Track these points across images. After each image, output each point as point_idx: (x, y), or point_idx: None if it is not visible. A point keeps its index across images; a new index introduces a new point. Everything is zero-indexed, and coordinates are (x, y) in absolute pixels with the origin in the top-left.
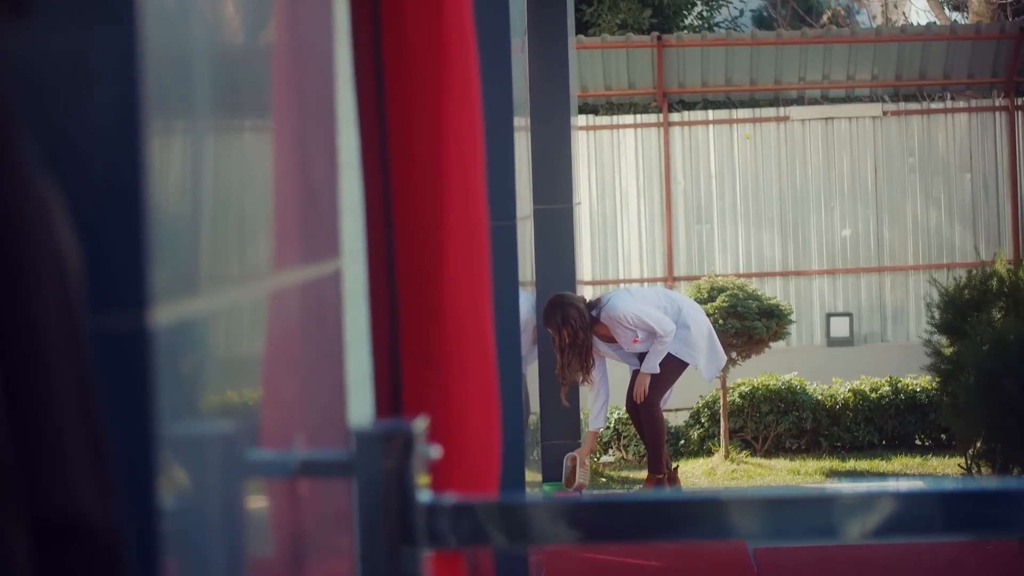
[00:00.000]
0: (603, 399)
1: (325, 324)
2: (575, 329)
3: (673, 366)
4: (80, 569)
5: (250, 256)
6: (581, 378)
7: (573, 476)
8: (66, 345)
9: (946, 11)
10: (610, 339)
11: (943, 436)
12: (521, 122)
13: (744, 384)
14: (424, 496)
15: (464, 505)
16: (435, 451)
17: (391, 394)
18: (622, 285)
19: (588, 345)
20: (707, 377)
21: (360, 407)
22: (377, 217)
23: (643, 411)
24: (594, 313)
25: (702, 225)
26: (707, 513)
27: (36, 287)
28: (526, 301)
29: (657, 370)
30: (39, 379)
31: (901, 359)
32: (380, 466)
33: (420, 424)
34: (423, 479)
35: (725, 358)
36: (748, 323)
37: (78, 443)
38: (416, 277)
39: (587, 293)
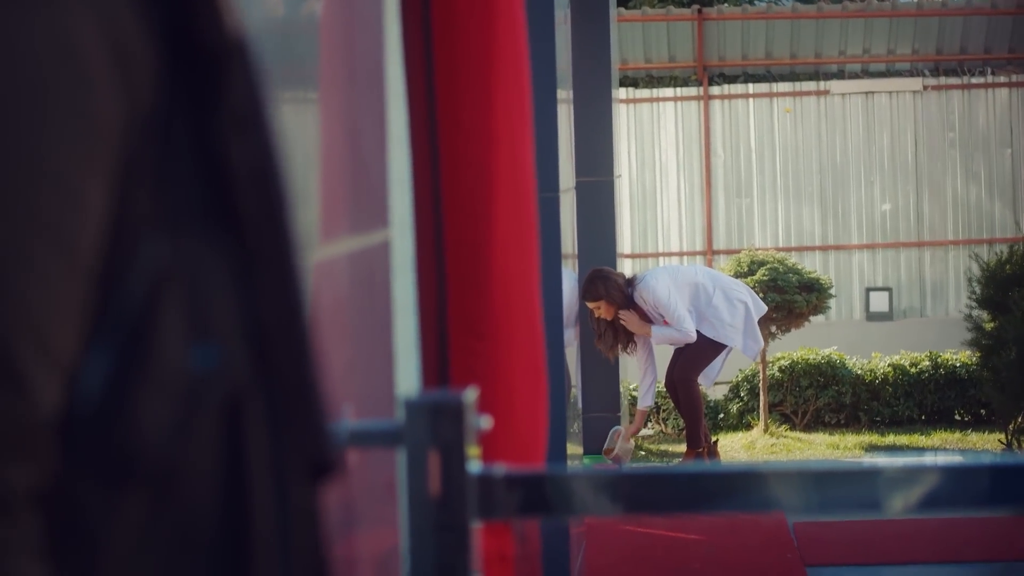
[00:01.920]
0: (651, 378)
1: (373, 294)
2: (616, 301)
3: (708, 345)
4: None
5: (299, 227)
6: (617, 353)
7: (613, 448)
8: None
9: None
10: (645, 318)
11: (982, 411)
12: (564, 95)
13: (784, 358)
14: (475, 467)
15: (516, 476)
16: (485, 422)
17: (438, 365)
18: (662, 259)
19: (631, 296)
20: (748, 355)
21: (407, 376)
22: (426, 188)
23: (680, 387)
24: (630, 291)
25: (742, 199)
26: (747, 486)
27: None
28: (569, 280)
29: (658, 335)
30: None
31: (940, 334)
32: (430, 436)
33: (471, 394)
34: (473, 450)
35: (763, 340)
36: (788, 297)
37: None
38: (464, 248)
39: (627, 267)
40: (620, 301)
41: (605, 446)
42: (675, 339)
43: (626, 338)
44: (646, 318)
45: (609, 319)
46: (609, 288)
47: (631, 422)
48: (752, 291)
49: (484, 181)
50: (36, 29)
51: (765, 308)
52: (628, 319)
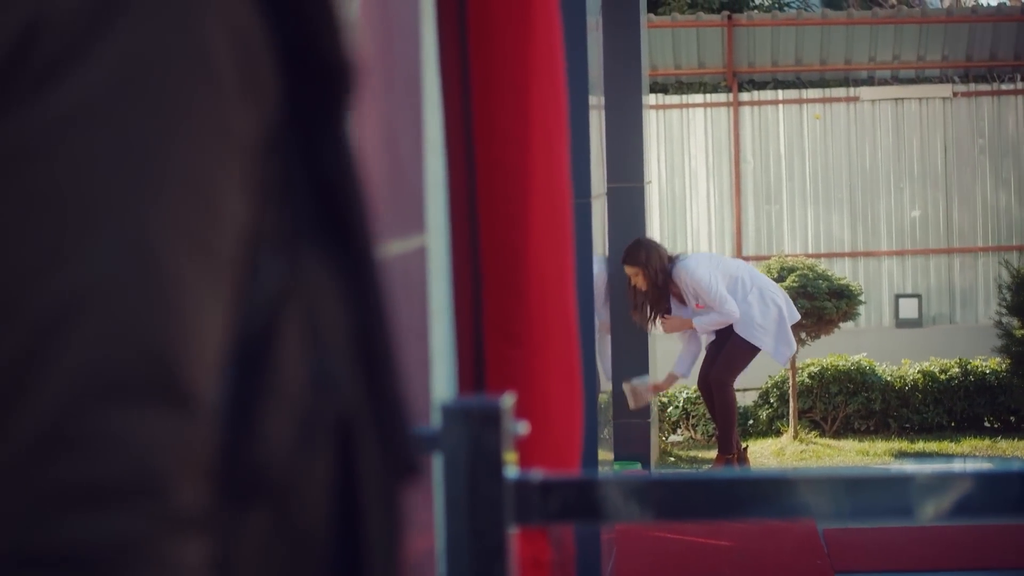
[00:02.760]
0: (694, 349)
1: (410, 299)
2: (655, 272)
3: (745, 347)
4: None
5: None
6: (652, 326)
7: (633, 396)
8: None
9: None
10: (680, 299)
11: (1012, 418)
12: (595, 101)
13: (813, 364)
14: (512, 472)
15: (552, 482)
16: (522, 427)
17: (474, 370)
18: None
19: (666, 292)
20: (779, 361)
21: (443, 382)
22: (461, 194)
23: (716, 389)
24: (669, 266)
25: (771, 205)
26: (777, 492)
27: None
28: (598, 264)
29: (701, 324)
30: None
31: (970, 340)
32: (467, 441)
33: (508, 400)
34: (510, 455)
35: (795, 346)
36: (818, 303)
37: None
38: (500, 253)
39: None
40: (658, 274)
41: (627, 392)
42: (718, 323)
43: (661, 308)
44: (680, 300)
45: (643, 289)
46: (651, 257)
47: (661, 429)
48: (788, 297)
49: (520, 186)
50: (172, 41)
51: (798, 316)
52: (669, 322)
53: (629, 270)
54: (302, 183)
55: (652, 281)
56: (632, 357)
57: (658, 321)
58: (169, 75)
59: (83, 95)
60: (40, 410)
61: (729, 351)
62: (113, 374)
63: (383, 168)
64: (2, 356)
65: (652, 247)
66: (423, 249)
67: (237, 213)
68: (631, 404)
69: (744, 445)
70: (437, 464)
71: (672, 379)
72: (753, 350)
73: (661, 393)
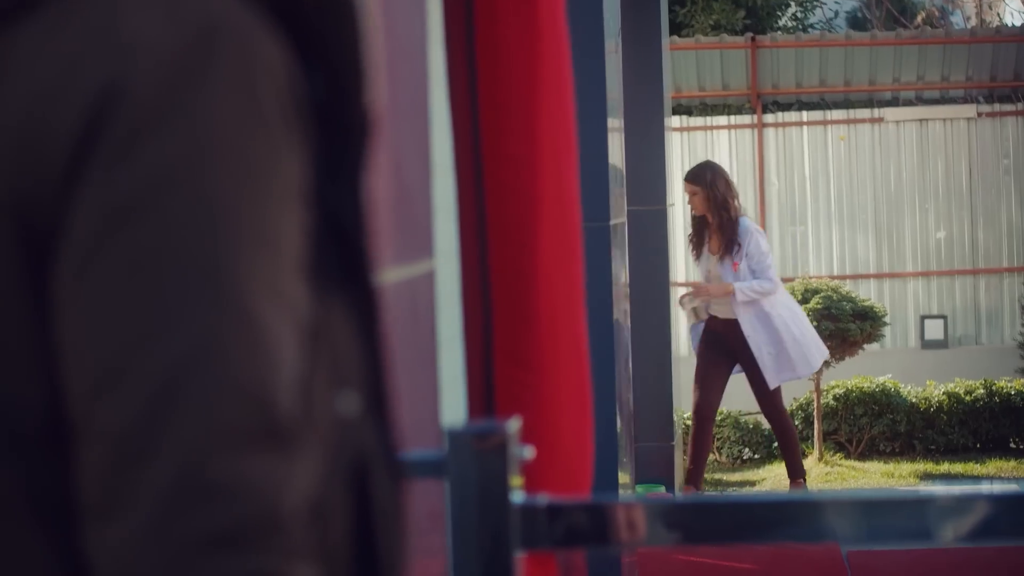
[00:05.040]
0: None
1: (419, 324)
2: (718, 197)
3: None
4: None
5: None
6: (697, 262)
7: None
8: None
9: None
10: (723, 250)
11: None
12: (615, 123)
13: (838, 386)
14: (518, 497)
15: (558, 506)
16: (528, 452)
17: (484, 395)
18: None
19: (721, 224)
20: (770, 384)
21: (453, 407)
22: (470, 218)
23: (773, 419)
24: (734, 213)
25: (796, 227)
26: (801, 515)
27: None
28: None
29: (743, 294)
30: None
31: (996, 362)
32: (473, 466)
33: (514, 424)
34: (517, 480)
35: (797, 374)
36: (842, 325)
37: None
38: (510, 278)
39: (681, 294)
40: (719, 200)
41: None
42: (759, 292)
43: (704, 241)
44: (721, 251)
45: (697, 214)
46: (717, 181)
47: (685, 452)
48: (817, 339)
49: (529, 211)
50: (237, 103)
51: (818, 363)
52: (708, 288)
53: (689, 188)
54: (323, 227)
55: (711, 204)
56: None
57: (706, 267)
58: (237, 136)
59: (167, 161)
60: (168, 468)
61: (756, 378)
62: (229, 426)
63: (390, 192)
64: (123, 422)
65: (721, 173)
66: (431, 274)
67: (296, 257)
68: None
69: (769, 466)
70: (446, 490)
71: (725, 289)
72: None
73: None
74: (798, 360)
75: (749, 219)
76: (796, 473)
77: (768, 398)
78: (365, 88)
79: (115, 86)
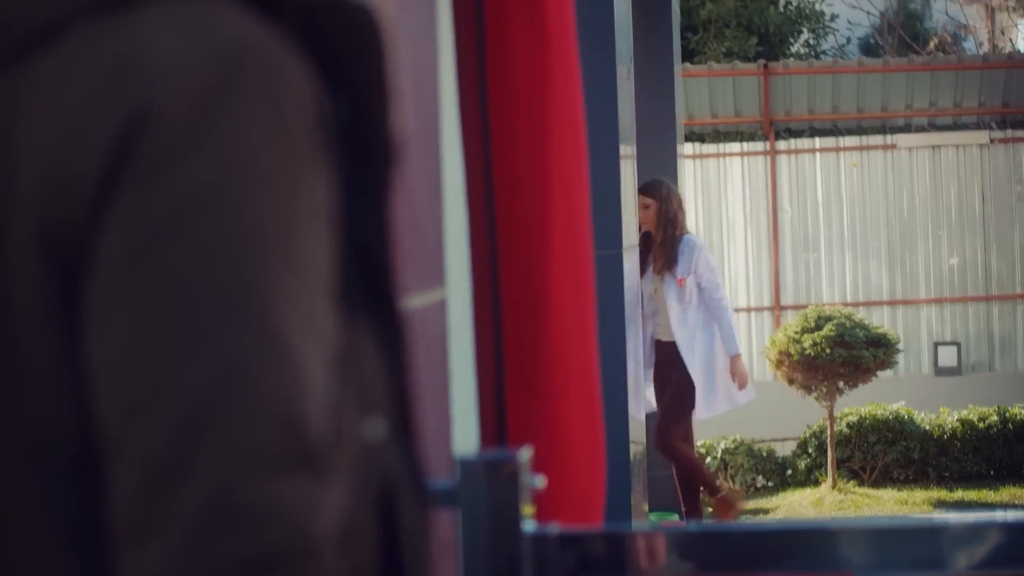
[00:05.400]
0: (725, 324)
1: (430, 353)
2: (668, 213)
3: (688, 391)
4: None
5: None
6: (655, 286)
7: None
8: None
9: None
10: (664, 268)
11: None
12: (627, 150)
13: (851, 414)
14: (529, 526)
15: (570, 535)
16: (540, 481)
17: (496, 424)
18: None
19: (665, 240)
20: (702, 413)
21: (465, 436)
22: (482, 246)
23: (668, 458)
24: (680, 231)
25: (809, 254)
26: (816, 543)
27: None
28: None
29: (739, 350)
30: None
31: (1009, 388)
32: (485, 495)
33: (525, 453)
34: (528, 509)
35: (728, 405)
36: (855, 352)
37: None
38: (521, 306)
39: None
40: (668, 217)
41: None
42: (727, 316)
43: (675, 250)
44: (662, 269)
45: (649, 229)
46: (671, 196)
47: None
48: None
49: (541, 240)
50: (265, 127)
51: (741, 400)
52: (742, 370)
53: (643, 200)
54: (349, 251)
55: (660, 219)
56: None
57: (650, 285)
58: (265, 160)
59: (196, 186)
60: (200, 492)
61: (670, 400)
62: (261, 450)
63: (401, 221)
64: (155, 446)
65: (675, 191)
66: (443, 303)
67: (325, 281)
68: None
69: (781, 494)
70: (457, 519)
71: (739, 361)
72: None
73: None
74: (726, 393)
75: (695, 236)
76: (713, 491)
77: (680, 427)
78: (390, 112)
79: (142, 112)
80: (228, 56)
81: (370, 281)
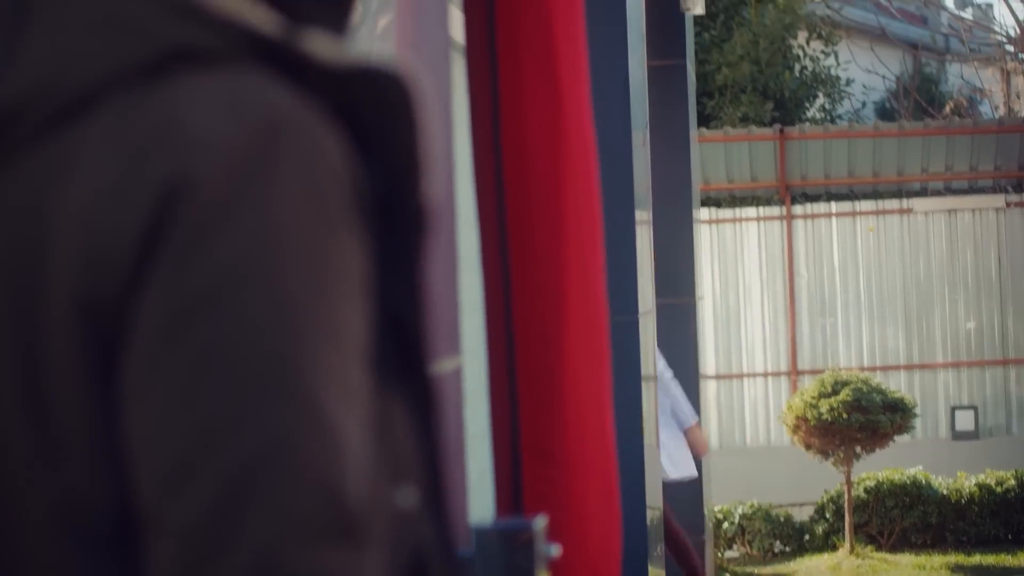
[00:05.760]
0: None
1: (446, 420)
2: None
3: None
4: None
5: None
6: None
7: None
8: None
9: None
10: None
11: None
12: (643, 216)
13: (869, 478)
14: None
15: None
16: (556, 549)
17: (512, 491)
18: (747, 380)
19: None
20: (670, 474)
21: (481, 504)
22: (498, 314)
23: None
24: None
25: (826, 318)
26: None
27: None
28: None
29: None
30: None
31: None
32: (501, 564)
33: (541, 521)
34: None
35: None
36: (872, 417)
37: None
38: (536, 374)
39: (711, 389)
40: None
41: None
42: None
43: None
44: None
45: None
46: None
47: (717, 546)
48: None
49: (556, 307)
50: (301, 197)
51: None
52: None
53: None
54: (382, 318)
55: None
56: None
57: None
58: (302, 230)
59: (233, 257)
60: (242, 564)
61: None
62: (302, 521)
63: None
64: (196, 518)
65: None
66: (459, 371)
67: (360, 350)
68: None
69: (799, 559)
70: None
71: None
72: None
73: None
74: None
75: None
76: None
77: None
78: (423, 181)
79: (178, 184)
80: (263, 127)
81: (402, 349)
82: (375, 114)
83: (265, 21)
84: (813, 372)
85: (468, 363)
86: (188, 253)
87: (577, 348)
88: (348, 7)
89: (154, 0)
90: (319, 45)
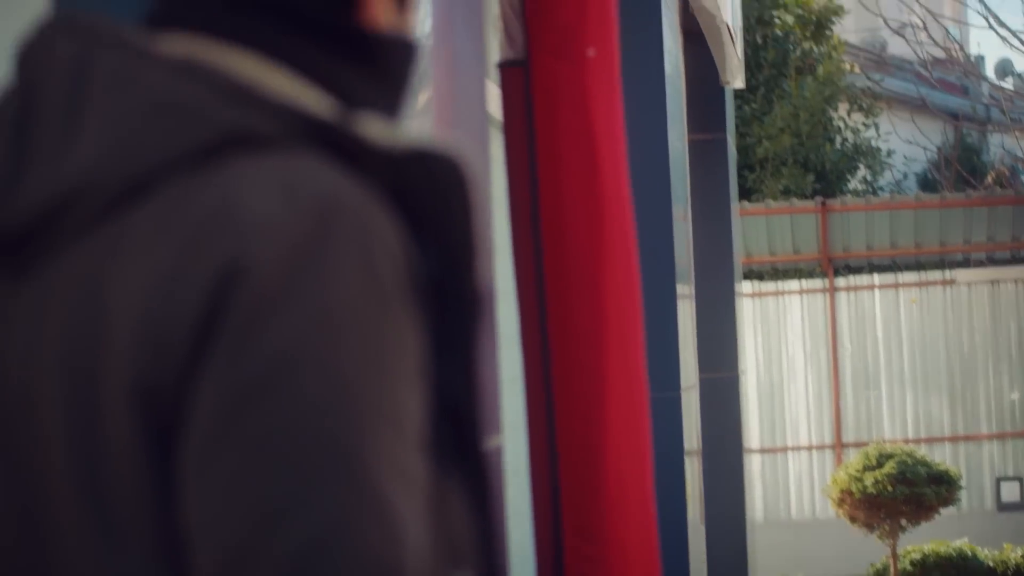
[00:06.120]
0: None
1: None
2: None
3: None
4: None
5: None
6: None
7: None
8: None
9: None
10: None
11: None
12: (685, 290)
13: (914, 551)
14: None
15: None
16: None
17: (553, 569)
18: (791, 454)
19: None
20: None
21: None
22: (537, 392)
23: None
24: None
25: (870, 391)
26: None
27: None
28: None
29: None
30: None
31: None
32: None
33: None
34: None
35: None
36: (917, 489)
37: None
38: (577, 451)
39: (755, 462)
40: None
41: None
42: None
43: None
44: None
45: None
46: None
47: None
48: None
49: (596, 385)
50: (358, 281)
51: None
52: None
53: None
54: (438, 402)
55: None
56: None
57: None
58: (359, 314)
59: (290, 342)
60: None
61: None
62: None
63: None
64: None
65: None
66: (499, 448)
67: (417, 433)
68: None
69: None
70: None
71: None
72: None
73: None
74: None
75: None
76: None
77: None
78: (477, 265)
79: (234, 269)
80: (318, 211)
81: (457, 432)
82: (429, 197)
83: (319, 105)
84: (857, 444)
85: (508, 440)
86: (244, 338)
87: (618, 425)
88: (401, 91)
89: (208, 85)
90: (373, 128)
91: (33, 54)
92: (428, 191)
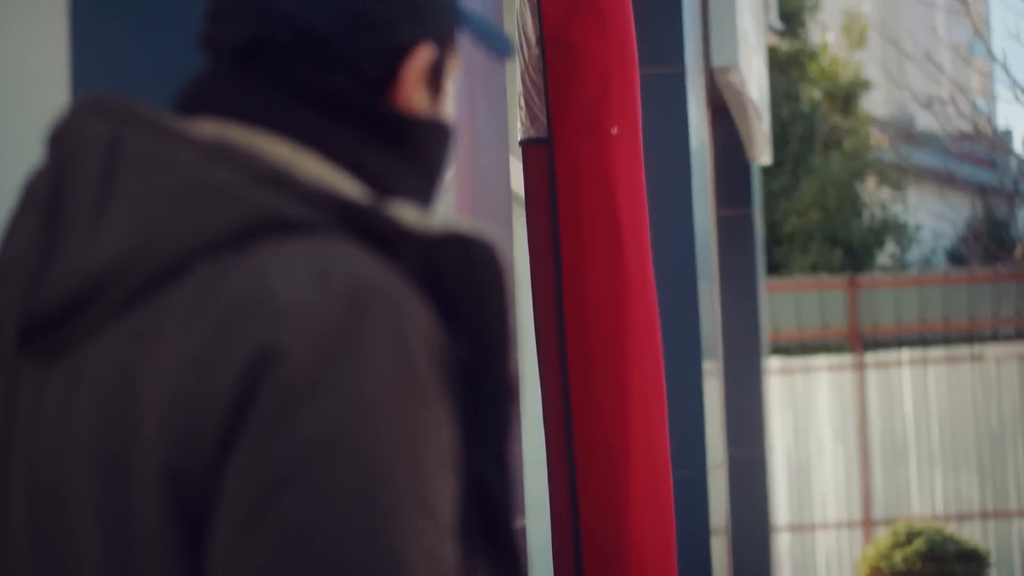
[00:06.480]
0: None
1: None
2: None
3: None
4: None
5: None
6: None
7: None
8: None
9: None
10: None
11: None
12: (711, 367)
13: None
14: None
15: None
16: None
17: None
18: (819, 531)
19: None
20: None
21: None
22: (561, 474)
23: None
24: None
25: (898, 467)
26: None
27: None
28: None
29: None
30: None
31: None
32: None
33: None
34: None
35: None
36: (947, 567)
37: None
38: (600, 533)
39: (784, 541)
40: None
41: None
42: None
43: None
44: None
45: None
46: None
47: None
48: None
49: (619, 466)
50: (393, 367)
51: None
52: None
53: None
54: (468, 487)
55: None
56: None
57: None
58: (392, 401)
59: (323, 429)
60: None
61: None
62: None
63: None
64: None
65: None
66: (522, 530)
67: (449, 520)
68: None
69: None
70: None
71: None
72: None
73: None
74: None
75: None
76: None
77: None
78: (509, 353)
79: (266, 353)
80: (350, 295)
81: (488, 519)
82: (463, 282)
83: (351, 189)
84: (887, 522)
85: (531, 520)
86: (276, 424)
87: (641, 506)
88: (435, 175)
89: (240, 168)
90: (406, 212)
91: (66, 133)
92: (462, 276)
